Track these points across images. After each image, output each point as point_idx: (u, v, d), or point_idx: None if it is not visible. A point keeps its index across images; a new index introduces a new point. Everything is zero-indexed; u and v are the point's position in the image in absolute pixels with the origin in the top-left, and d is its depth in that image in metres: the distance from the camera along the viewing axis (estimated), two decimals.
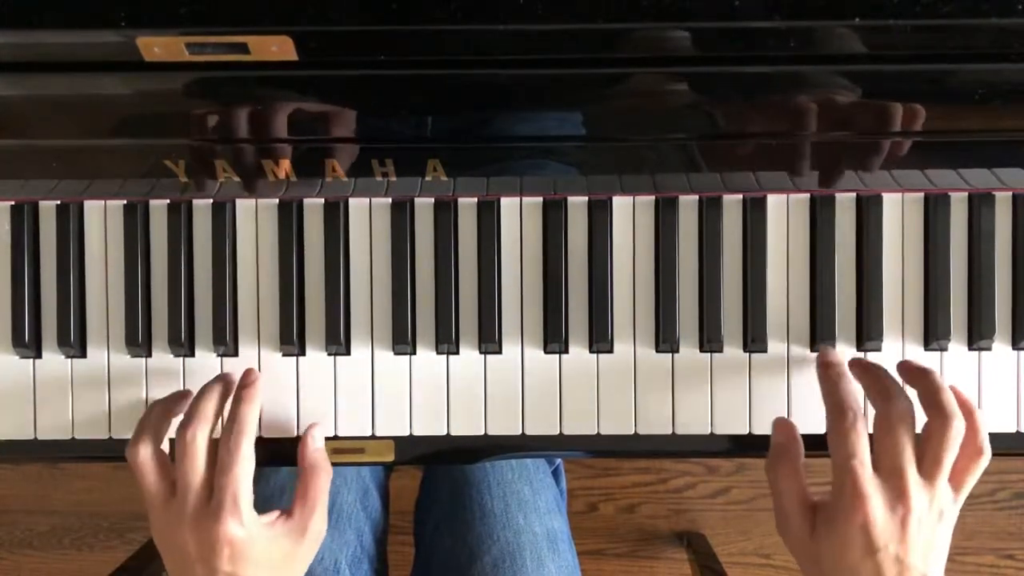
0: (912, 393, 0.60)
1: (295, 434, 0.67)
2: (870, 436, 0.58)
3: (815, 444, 0.64)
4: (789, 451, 0.62)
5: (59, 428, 0.67)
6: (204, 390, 0.63)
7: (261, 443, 0.66)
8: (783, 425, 0.63)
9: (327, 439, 0.66)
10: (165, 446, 0.62)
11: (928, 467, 0.57)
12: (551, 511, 0.83)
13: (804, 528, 0.59)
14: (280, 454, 0.67)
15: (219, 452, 0.60)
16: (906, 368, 0.62)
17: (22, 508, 1.44)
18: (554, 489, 0.88)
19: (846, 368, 0.63)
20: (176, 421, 0.63)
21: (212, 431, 0.61)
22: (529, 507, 0.81)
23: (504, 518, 0.79)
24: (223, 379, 0.64)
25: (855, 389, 0.61)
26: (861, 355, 0.66)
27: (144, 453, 0.60)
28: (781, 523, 0.61)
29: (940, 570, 0.58)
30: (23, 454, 0.67)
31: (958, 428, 0.57)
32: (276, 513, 0.62)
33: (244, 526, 0.58)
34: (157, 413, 0.62)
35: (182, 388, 0.66)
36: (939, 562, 0.58)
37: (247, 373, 0.65)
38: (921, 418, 0.58)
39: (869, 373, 0.62)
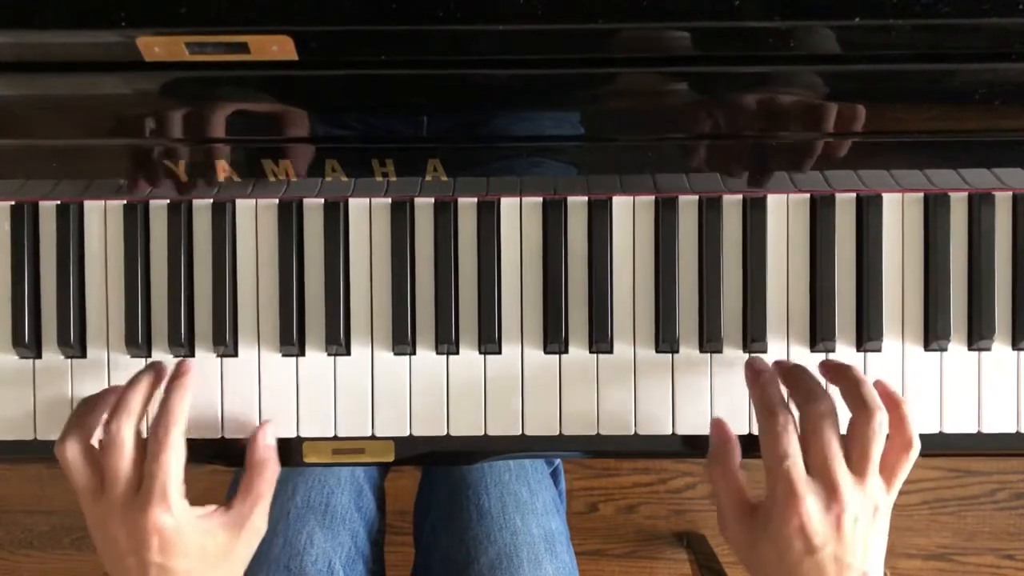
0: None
1: (296, 434, 0.67)
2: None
3: None
4: (724, 452, 0.62)
5: (59, 428, 0.66)
6: (132, 382, 0.62)
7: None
8: (718, 426, 0.63)
9: (327, 439, 0.66)
10: (95, 442, 0.61)
11: (856, 462, 0.57)
12: (549, 512, 0.83)
13: (742, 529, 0.59)
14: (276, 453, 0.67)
15: (148, 442, 0.59)
16: (826, 367, 0.63)
17: (22, 508, 1.44)
18: (552, 490, 0.88)
19: (774, 373, 0.63)
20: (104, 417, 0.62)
21: (140, 423, 0.60)
22: (527, 508, 0.81)
23: (501, 519, 0.79)
24: (153, 370, 0.64)
25: (783, 393, 0.61)
26: (860, 356, 0.66)
27: (72, 449, 0.60)
28: (720, 523, 0.61)
29: (879, 564, 0.58)
30: (23, 454, 0.67)
31: (880, 420, 0.57)
32: (213, 506, 0.61)
33: (173, 515, 0.57)
34: (85, 409, 0.62)
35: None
36: (878, 557, 0.58)
37: (180, 364, 0.64)
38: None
39: (791, 376, 0.62)
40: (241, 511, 0.61)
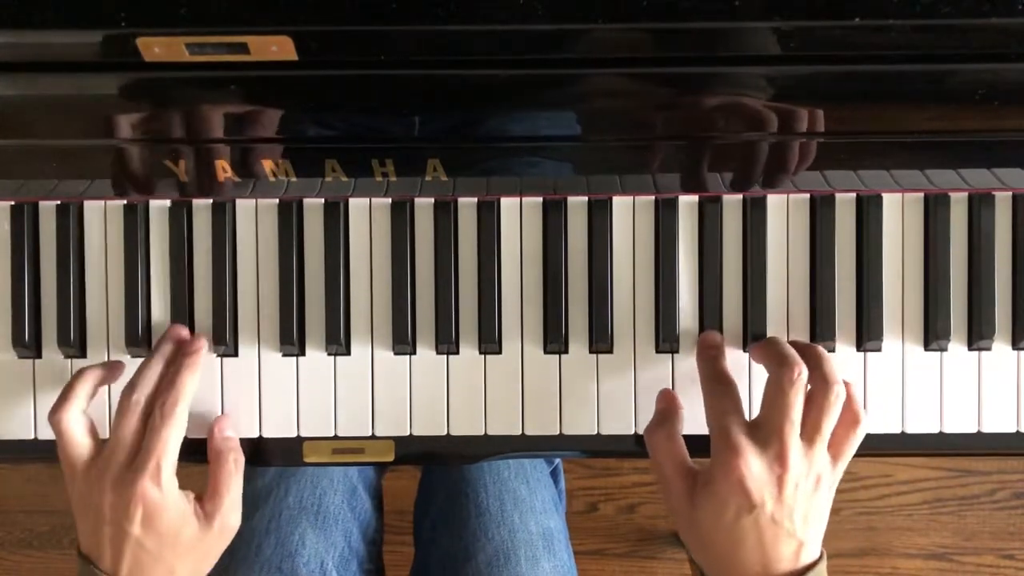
0: None
1: (295, 434, 0.67)
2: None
3: None
4: (668, 417, 0.62)
5: None
6: (154, 354, 0.63)
7: (259, 442, 0.66)
8: (666, 393, 0.64)
9: (327, 438, 0.66)
10: (93, 414, 0.62)
11: (809, 432, 0.57)
12: (547, 511, 0.83)
13: (683, 493, 0.59)
14: (276, 453, 0.67)
15: (152, 415, 0.60)
16: (795, 344, 0.63)
17: (22, 508, 1.44)
18: (551, 489, 0.88)
19: (723, 349, 0.64)
20: (103, 389, 0.64)
21: (152, 397, 0.61)
22: (525, 506, 0.81)
23: (499, 517, 0.79)
24: (173, 342, 0.64)
25: (728, 367, 0.62)
26: (860, 356, 0.66)
27: (69, 415, 0.60)
28: (663, 491, 0.61)
29: (818, 539, 0.58)
30: (23, 454, 0.67)
31: (838, 393, 0.58)
32: (193, 495, 0.62)
33: (161, 491, 0.58)
34: (85, 380, 0.63)
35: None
36: (817, 530, 0.58)
37: (193, 340, 0.65)
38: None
39: (768, 344, 0.62)
40: (209, 506, 0.62)
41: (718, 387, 0.61)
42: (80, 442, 0.60)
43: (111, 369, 0.65)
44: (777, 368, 0.59)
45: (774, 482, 0.56)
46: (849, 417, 0.59)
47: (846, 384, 0.59)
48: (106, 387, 0.65)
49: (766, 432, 0.57)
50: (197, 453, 0.64)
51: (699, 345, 0.65)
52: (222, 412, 0.66)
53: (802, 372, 0.58)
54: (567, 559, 0.81)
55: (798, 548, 0.57)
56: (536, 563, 0.77)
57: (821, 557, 0.58)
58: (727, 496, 0.56)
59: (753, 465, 0.56)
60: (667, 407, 0.64)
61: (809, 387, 0.58)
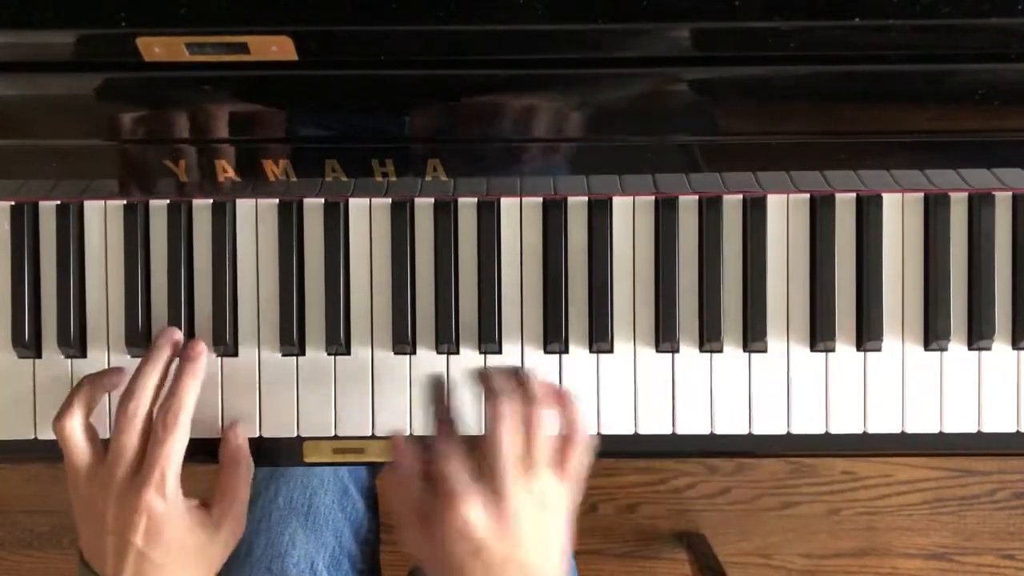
0: None
1: (295, 434, 0.67)
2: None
3: (823, 442, 0.64)
4: (397, 463, 0.61)
5: None
6: (149, 360, 0.62)
7: (259, 442, 0.66)
8: (394, 440, 0.62)
9: (327, 438, 0.66)
10: (93, 419, 0.62)
11: (523, 458, 0.57)
12: None
13: (417, 534, 0.58)
14: (276, 453, 0.67)
15: (154, 425, 0.60)
16: (507, 370, 0.62)
17: (22, 508, 1.44)
18: None
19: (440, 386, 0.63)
20: (105, 397, 0.64)
21: (153, 404, 0.61)
22: None
23: None
24: (170, 345, 0.64)
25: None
26: (860, 355, 0.66)
27: (73, 423, 0.60)
28: (397, 528, 0.60)
29: (555, 558, 0.58)
30: (23, 454, 0.67)
31: (538, 414, 0.57)
32: (197, 501, 0.61)
33: (166, 501, 0.58)
34: (88, 387, 0.62)
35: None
36: (553, 551, 0.58)
37: (192, 345, 0.64)
38: None
39: (481, 377, 0.61)
40: (218, 512, 0.62)
41: (440, 429, 0.60)
42: (84, 449, 0.60)
43: (112, 375, 0.65)
44: (487, 404, 0.58)
45: (496, 522, 0.55)
46: (571, 430, 0.59)
47: (567, 400, 0.59)
48: (107, 394, 0.65)
49: (485, 471, 0.57)
50: (197, 453, 0.64)
51: (427, 386, 0.64)
52: (222, 412, 0.66)
53: (510, 404, 0.57)
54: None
55: (533, 572, 0.57)
56: None
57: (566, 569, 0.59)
58: (454, 540, 0.55)
59: (473, 510, 0.55)
60: (397, 459, 0.62)
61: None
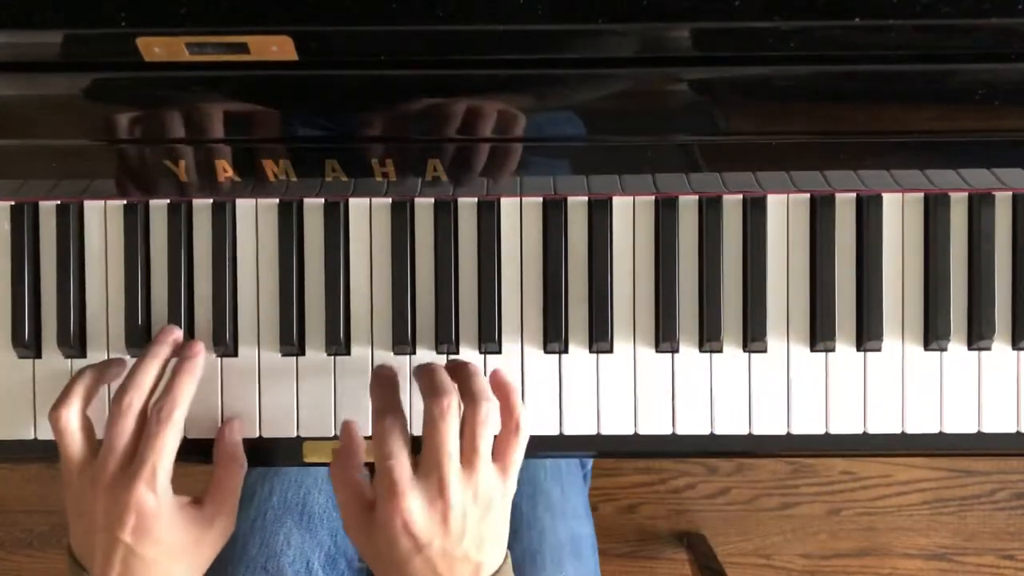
0: None
1: (295, 434, 0.67)
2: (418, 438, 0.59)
3: (823, 442, 0.64)
4: (347, 453, 0.61)
5: None
6: (148, 356, 0.62)
7: (258, 442, 0.66)
8: (345, 427, 0.63)
9: (327, 439, 0.66)
10: (89, 411, 0.62)
11: (467, 455, 0.57)
12: (579, 516, 0.82)
13: (357, 522, 0.59)
14: (276, 453, 0.67)
15: (148, 420, 0.59)
16: (448, 365, 0.63)
17: (22, 508, 1.45)
18: (584, 495, 0.87)
19: (397, 382, 0.63)
20: (103, 389, 0.63)
21: (148, 401, 0.61)
22: (557, 510, 0.80)
23: (531, 517, 0.79)
24: (168, 343, 0.64)
25: (396, 397, 0.61)
26: (860, 356, 0.66)
27: (69, 415, 0.60)
28: (341, 512, 0.61)
29: (498, 553, 0.59)
30: (23, 454, 0.67)
31: (486, 410, 0.57)
32: (189, 498, 0.61)
33: (156, 498, 0.58)
34: (87, 378, 0.62)
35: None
36: (495, 546, 0.59)
37: (191, 344, 0.64)
38: None
39: (420, 374, 0.61)
40: (210, 508, 0.62)
41: (384, 425, 0.59)
42: (77, 441, 0.60)
43: (112, 367, 0.65)
44: (427, 400, 0.58)
45: (438, 519, 0.56)
46: (510, 425, 0.59)
47: (510, 392, 0.59)
48: (106, 386, 0.65)
49: (426, 469, 0.57)
50: (192, 453, 0.64)
51: (372, 378, 0.64)
52: (222, 412, 0.66)
53: (451, 400, 0.57)
54: (593, 565, 0.81)
55: (476, 569, 0.58)
56: (560, 567, 0.77)
57: (505, 560, 0.60)
58: (395, 538, 0.56)
59: (414, 507, 0.55)
60: (346, 444, 0.62)
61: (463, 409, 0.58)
